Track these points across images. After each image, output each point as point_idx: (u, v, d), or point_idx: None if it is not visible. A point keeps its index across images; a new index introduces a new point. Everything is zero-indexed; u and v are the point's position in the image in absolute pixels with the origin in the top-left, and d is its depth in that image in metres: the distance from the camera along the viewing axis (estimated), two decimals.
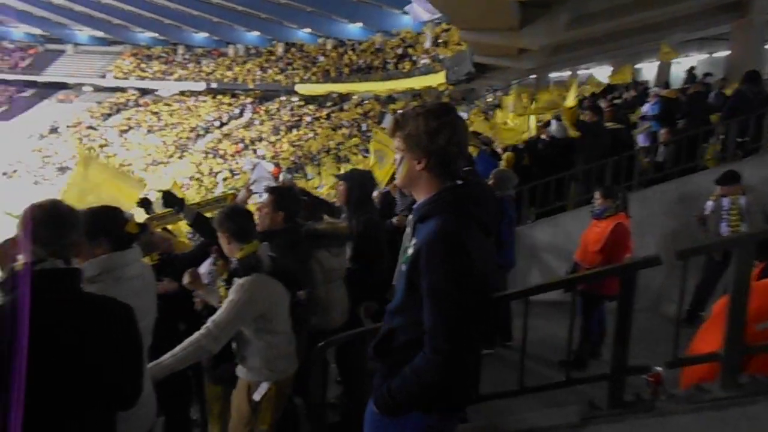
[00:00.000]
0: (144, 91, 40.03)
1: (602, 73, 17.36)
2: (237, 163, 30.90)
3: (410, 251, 1.86)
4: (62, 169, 30.78)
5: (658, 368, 2.08)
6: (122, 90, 39.86)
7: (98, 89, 40.22)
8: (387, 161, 6.87)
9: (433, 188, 1.86)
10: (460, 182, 1.89)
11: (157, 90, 40.08)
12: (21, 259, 1.73)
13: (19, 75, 40.50)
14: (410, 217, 1.98)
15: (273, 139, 33.74)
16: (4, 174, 31.74)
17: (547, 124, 8.71)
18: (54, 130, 36.75)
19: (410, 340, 1.84)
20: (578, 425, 2.12)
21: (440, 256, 1.74)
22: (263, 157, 29.24)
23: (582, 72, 21.24)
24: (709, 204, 5.50)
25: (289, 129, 34.46)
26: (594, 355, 4.62)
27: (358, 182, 3.89)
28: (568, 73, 22.00)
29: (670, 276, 4.28)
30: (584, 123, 6.69)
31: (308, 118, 35.23)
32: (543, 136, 8.22)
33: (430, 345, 1.76)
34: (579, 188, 6.78)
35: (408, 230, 1.95)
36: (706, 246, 2.31)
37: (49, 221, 1.80)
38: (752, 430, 1.78)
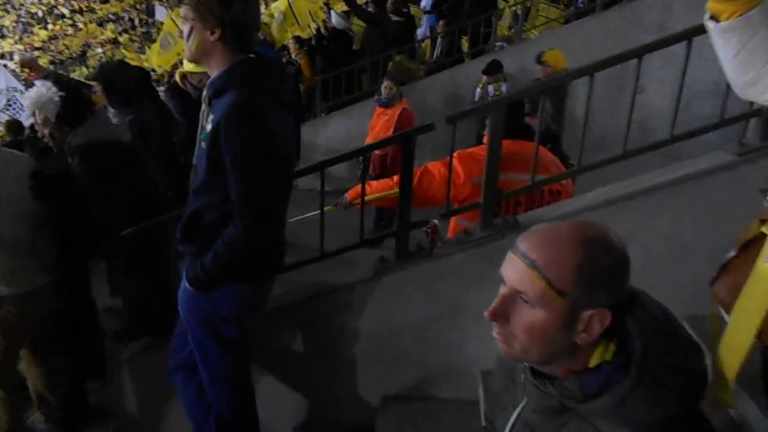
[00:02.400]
0: None
1: None
2: None
3: (208, 128, 1.83)
4: None
5: (435, 221, 2.42)
6: None
7: None
8: (174, 46, 6.30)
9: (226, 62, 1.82)
10: (253, 56, 1.88)
11: None
12: None
13: None
14: (204, 92, 1.93)
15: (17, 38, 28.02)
16: None
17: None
18: None
19: (218, 218, 1.87)
20: (372, 279, 2.41)
21: (238, 128, 1.74)
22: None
23: None
24: (478, 91, 6.24)
25: (40, 22, 28.89)
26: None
27: (113, 77, 3.53)
28: None
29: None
30: (368, 13, 6.87)
31: (64, 10, 29.80)
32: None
33: (238, 216, 1.80)
34: (368, 79, 7.08)
35: (204, 107, 1.89)
36: (469, 111, 2.65)
37: None
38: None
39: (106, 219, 2.79)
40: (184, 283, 2.00)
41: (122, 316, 3.59)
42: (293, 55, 7.90)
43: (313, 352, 2.53)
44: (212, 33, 1.77)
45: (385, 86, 5.27)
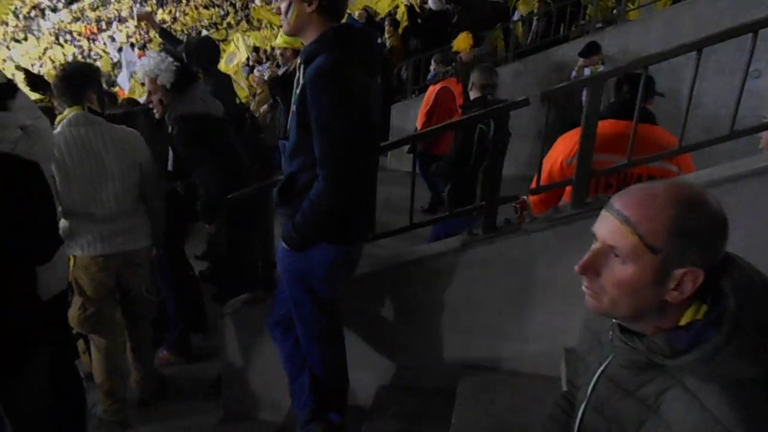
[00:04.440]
0: None
1: None
2: (93, 46, 27.67)
3: (298, 91, 1.96)
4: None
5: (524, 197, 2.44)
6: None
7: None
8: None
9: (320, 30, 1.94)
10: (343, 24, 2.00)
11: None
12: None
13: None
14: (297, 60, 2.07)
15: (132, 20, 30.22)
16: None
17: None
18: None
19: (310, 180, 1.99)
20: (459, 250, 2.47)
21: (322, 86, 1.85)
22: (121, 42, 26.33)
23: None
24: (574, 74, 6.05)
25: (153, 8, 30.93)
26: (441, 203, 5.27)
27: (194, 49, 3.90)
28: None
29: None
30: None
31: None
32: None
33: (321, 174, 1.91)
34: None
35: (297, 73, 2.03)
36: (564, 86, 2.62)
37: None
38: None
39: (204, 184, 3.04)
40: (282, 243, 2.16)
41: (220, 274, 3.90)
42: (386, 38, 8.01)
43: (399, 317, 2.64)
44: (309, 4, 1.91)
45: (432, 66, 5.56)
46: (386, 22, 8.13)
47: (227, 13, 27.97)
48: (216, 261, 4.06)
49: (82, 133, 2.60)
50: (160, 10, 29.58)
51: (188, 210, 3.46)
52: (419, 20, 8.05)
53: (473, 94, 3.76)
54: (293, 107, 2.01)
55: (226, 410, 3.04)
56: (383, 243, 2.69)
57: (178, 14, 29.64)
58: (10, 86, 2.18)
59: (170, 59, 2.92)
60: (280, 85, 4.18)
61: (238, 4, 27.91)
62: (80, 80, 2.67)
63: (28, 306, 1.85)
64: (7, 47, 28.38)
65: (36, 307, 1.88)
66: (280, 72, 4.45)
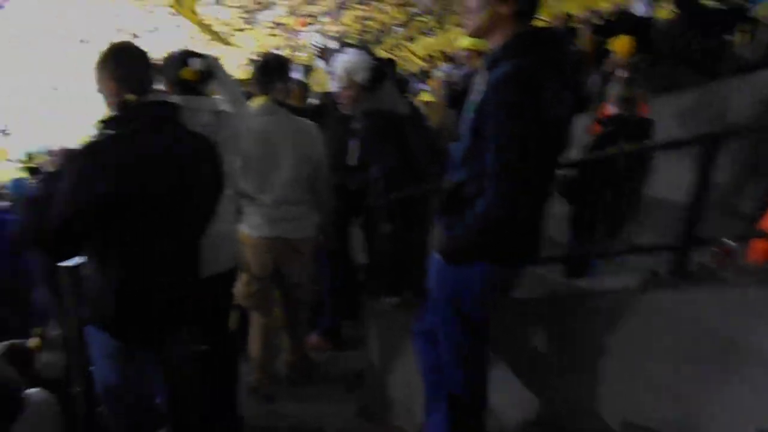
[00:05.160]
0: None
1: None
2: (300, 38, 30.30)
3: (477, 98, 1.82)
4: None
5: (728, 241, 2.03)
6: None
7: None
8: None
9: (508, 34, 1.77)
10: (534, 26, 1.80)
11: None
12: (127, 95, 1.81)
13: None
14: (479, 64, 1.93)
15: (338, 15, 32.52)
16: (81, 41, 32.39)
17: None
18: None
19: (477, 192, 1.83)
20: (637, 291, 2.15)
21: (505, 93, 1.69)
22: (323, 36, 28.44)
23: None
24: None
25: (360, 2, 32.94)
26: None
27: None
28: None
29: None
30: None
31: None
32: None
33: (491, 188, 1.76)
34: None
35: (478, 78, 1.89)
36: None
37: (136, 59, 1.88)
38: None
39: (380, 179, 3.04)
40: (435, 254, 2.06)
41: (374, 272, 3.94)
42: (580, 42, 7.49)
43: (553, 351, 2.40)
44: (506, 5, 1.74)
45: None
46: (580, 25, 7.58)
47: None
48: (377, 256, 4.12)
49: (264, 122, 2.76)
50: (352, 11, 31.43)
51: (355, 204, 3.53)
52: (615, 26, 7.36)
53: (611, 109, 3.30)
54: (469, 114, 1.89)
55: (362, 406, 3.05)
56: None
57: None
58: (209, 72, 2.38)
59: (368, 57, 2.98)
60: (457, 93, 4.09)
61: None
62: (270, 71, 2.85)
63: (187, 281, 1.99)
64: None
65: (195, 282, 2.02)
66: (461, 73, 4.36)
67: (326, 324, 3.73)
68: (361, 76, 2.93)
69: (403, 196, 2.65)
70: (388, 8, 31.23)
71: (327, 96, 4.99)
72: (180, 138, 1.90)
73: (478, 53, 4.02)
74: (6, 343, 2.86)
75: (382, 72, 3.07)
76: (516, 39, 1.75)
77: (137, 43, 1.97)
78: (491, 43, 1.83)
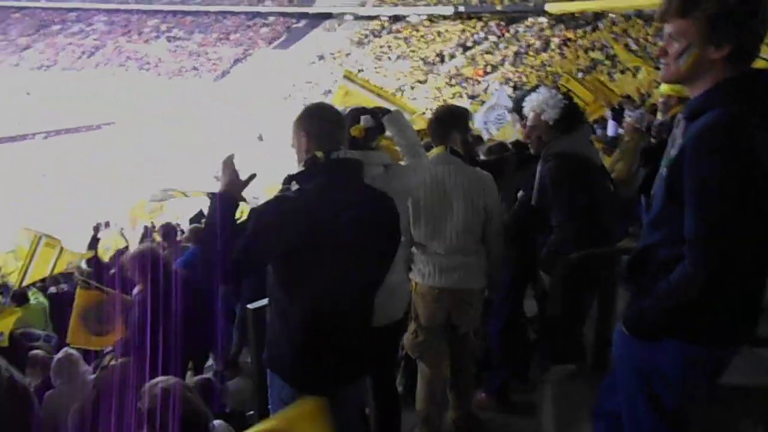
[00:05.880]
0: (395, 18, 41.89)
1: None
2: (478, 86, 30.86)
3: (673, 153, 1.60)
4: (326, 93, 34.42)
5: None
6: (376, 18, 42.38)
7: (357, 18, 43.41)
8: None
9: (717, 79, 1.54)
10: (749, 69, 1.54)
11: (407, 16, 41.61)
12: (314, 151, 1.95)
13: (295, 7, 46.06)
14: (678, 115, 1.70)
15: (516, 63, 32.65)
16: (284, 98, 36.70)
17: None
18: (320, 57, 40.98)
19: (672, 257, 1.61)
20: None
21: (711, 149, 1.46)
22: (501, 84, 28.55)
23: None
24: None
25: (537, 52, 32.83)
26: None
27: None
28: None
29: None
30: None
31: (556, 40, 33.04)
32: None
33: (689, 256, 1.52)
34: None
35: (675, 130, 1.67)
36: None
37: (329, 118, 2.02)
38: None
39: (560, 229, 2.83)
40: (620, 325, 1.83)
41: (546, 333, 3.67)
42: None
43: None
44: (718, 48, 1.51)
45: None
46: None
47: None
48: (547, 318, 3.85)
49: (439, 171, 2.79)
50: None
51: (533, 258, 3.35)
52: None
53: None
54: (663, 170, 1.67)
55: None
56: None
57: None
58: (376, 128, 2.47)
59: (559, 96, 2.89)
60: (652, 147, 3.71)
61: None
62: (448, 123, 2.88)
63: (362, 332, 2.01)
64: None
65: (369, 333, 2.04)
66: (657, 122, 3.98)
67: (493, 381, 3.55)
68: (549, 115, 2.83)
69: (586, 253, 2.43)
70: (569, 54, 30.57)
71: (502, 146, 4.91)
72: (359, 191, 1.97)
73: (679, 99, 3.63)
74: (196, 378, 3.18)
75: (576, 113, 2.93)
76: (725, 84, 1.52)
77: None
78: (694, 90, 1.62)
